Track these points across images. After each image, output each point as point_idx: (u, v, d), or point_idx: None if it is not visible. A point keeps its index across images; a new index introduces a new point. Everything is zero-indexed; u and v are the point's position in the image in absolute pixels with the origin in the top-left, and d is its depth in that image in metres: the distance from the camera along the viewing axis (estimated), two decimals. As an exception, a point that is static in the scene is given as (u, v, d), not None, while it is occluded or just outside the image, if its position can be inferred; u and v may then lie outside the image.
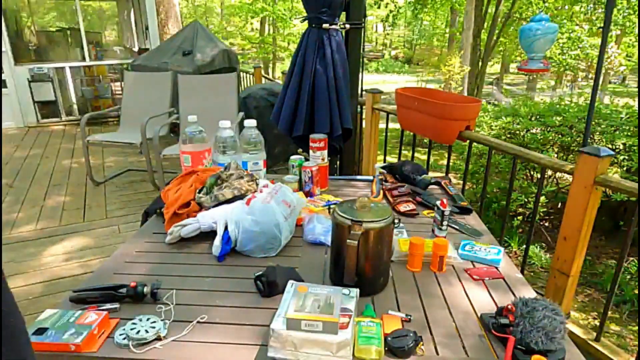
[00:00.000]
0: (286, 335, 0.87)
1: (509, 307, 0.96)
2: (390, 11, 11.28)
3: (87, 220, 3.27)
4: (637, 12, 9.33)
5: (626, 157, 3.33)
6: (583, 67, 11.73)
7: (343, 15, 2.65)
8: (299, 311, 0.89)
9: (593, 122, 3.48)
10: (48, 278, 2.50)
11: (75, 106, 6.60)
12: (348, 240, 1.04)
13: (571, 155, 3.60)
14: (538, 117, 3.94)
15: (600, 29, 1.88)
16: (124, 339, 0.94)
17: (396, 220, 1.16)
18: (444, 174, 2.37)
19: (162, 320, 1.00)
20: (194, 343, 0.95)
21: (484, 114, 4.43)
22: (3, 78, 5.85)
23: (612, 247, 3.76)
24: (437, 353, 0.93)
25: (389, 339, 0.93)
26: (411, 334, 0.93)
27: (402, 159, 3.47)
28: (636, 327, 2.84)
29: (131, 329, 0.95)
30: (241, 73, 6.25)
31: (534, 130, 3.83)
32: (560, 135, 3.63)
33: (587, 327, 2.47)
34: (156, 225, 1.52)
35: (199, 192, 1.49)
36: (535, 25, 2.01)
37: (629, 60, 11.67)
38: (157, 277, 1.18)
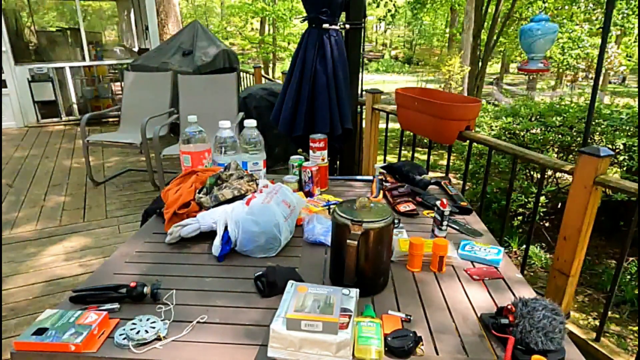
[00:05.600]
0: (286, 335, 0.87)
1: (509, 307, 0.96)
2: (389, 10, 11.28)
3: (87, 220, 3.27)
4: (636, 13, 9.33)
5: (626, 157, 3.33)
6: (583, 67, 11.73)
7: (343, 15, 2.65)
8: (299, 311, 0.89)
9: (593, 122, 3.48)
10: (48, 278, 2.50)
11: (75, 106, 6.60)
12: (348, 240, 1.04)
13: (571, 155, 3.60)
14: (538, 117, 3.94)
15: (600, 29, 1.88)
16: (124, 339, 0.94)
17: (396, 220, 1.16)
18: (444, 174, 2.37)
19: (162, 320, 1.00)
20: (193, 343, 0.95)
21: (484, 114, 4.43)
22: (3, 78, 5.84)
23: (612, 247, 3.76)
24: (437, 353, 0.93)
25: (389, 339, 0.93)
26: (411, 334, 0.93)
27: (402, 159, 3.47)
28: (636, 327, 2.84)
29: (131, 329, 0.95)
30: (241, 73, 6.25)
31: (534, 131, 3.83)
32: (560, 136, 3.63)
33: (587, 327, 2.48)
34: (156, 225, 1.52)
35: (199, 192, 1.49)
36: (535, 25, 2.01)
37: (629, 60, 11.67)
38: (157, 277, 1.18)
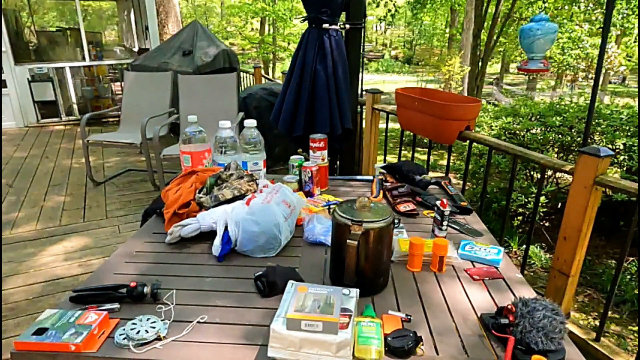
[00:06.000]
0: (286, 335, 0.87)
1: (509, 307, 0.96)
2: (389, 10, 11.28)
3: (87, 220, 3.27)
4: (636, 13, 9.33)
5: (626, 157, 3.33)
6: (583, 67, 11.74)
7: (343, 15, 2.65)
8: (299, 311, 0.89)
9: (593, 122, 3.48)
10: (48, 278, 2.50)
11: (75, 106, 6.60)
12: (348, 240, 1.04)
13: (571, 155, 3.60)
14: (538, 117, 3.94)
15: (600, 29, 1.88)
16: (124, 339, 0.94)
17: (396, 220, 1.16)
18: (444, 174, 2.37)
19: (162, 320, 1.00)
20: (194, 343, 0.95)
21: (484, 114, 4.43)
22: (3, 78, 5.84)
23: (612, 247, 3.76)
24: (437, 353, 0.93)
25: (389, 339, 0.93)
26: (411, 334, 0.94)
27: (402, 159, 3.47)
28: (636, 327, 2.84)
29: (131, 329, 0.95)
30: (241, 73, 6.25)
31: (534, 131, 3.83)
32: (560, 135, 3.63)
33: (587, 327, 2.47)
34: (156, 225, 1.52)
35: (199, 192, 1.49)
36: (535, 25, 2.01)
37: (629, 60, 11.67)
38: (157, 277, 1.18)
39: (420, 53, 28.33)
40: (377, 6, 11.42)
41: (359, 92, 3.07)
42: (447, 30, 20.13)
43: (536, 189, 2.62)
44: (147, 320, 0.98)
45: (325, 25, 2.46)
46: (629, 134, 3.40)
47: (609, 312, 1.93)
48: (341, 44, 2.57)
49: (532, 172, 3.86)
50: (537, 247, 3.70)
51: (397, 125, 2.96)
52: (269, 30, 20.50)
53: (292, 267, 1.19)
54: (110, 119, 6.39)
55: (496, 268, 1.27)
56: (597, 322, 2.83)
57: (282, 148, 4.09)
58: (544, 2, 10.18)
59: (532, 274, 3.48)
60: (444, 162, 4.07)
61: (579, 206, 1.79)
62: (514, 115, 4.06)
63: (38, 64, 6.21)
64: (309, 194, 1.74)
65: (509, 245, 3.71)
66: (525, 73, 3.95)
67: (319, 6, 2.43)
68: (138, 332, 0.94)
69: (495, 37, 10.91)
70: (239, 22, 21.56)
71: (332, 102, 2.54)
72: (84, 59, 6.64)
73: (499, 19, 10.90)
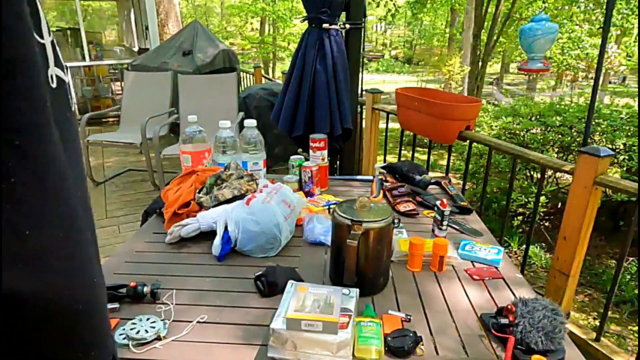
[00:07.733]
0: (286, 335, 0.87)
1: (509, 307, 0.96)
2: (389, 10, 11.29)
3: (87, 220, 3.26)
4: (636, 13, 9.33)
5: (626, 157, 3.33)
6: (583, 67, 11.73)
7: (343, 15, 2.65)
8: (299, 311, 0.89)
9: (593, 122, 3.48)
10: (48, 278, 2.50)
11: (75, 106, 6.58)
12: (348, 240, 1.04)
13: (571, 155, 3.60)
14: (538, 117, 3.94)
15: (600, 29, 1.88)
16: (124, 339, 0.94)
17: (396, 220, 1.16)
18: (444, 174, 2.37)
19: (162, 320, 1.00)
20: (194, 343, 0.95)
21: (484, 114, 4.43)
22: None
23: (612, 247, 3.76)
24: (437, 353, 0.93)
25: (389, 339, 0.93)
26: (411, 334, 0.93)
27: (402, 159, 3.47)
28: (636, 327, 2.84)
29: (131, 329, 0.95)
30: (241, 73, 6.25)
31: (534, 130, 3.84)
32: (560, 135, 3.63)
33: (587, 327, 2.48)
34: (156, 225, 1.52)
35: (199, 192, 1.49)
36: (535, 25, 2.01)
37: (629, 60, 11.66)
38: (157, 277, 1.18)
39: (420, 53, 28.29)
40: (377, 6, 11.43)
41: (359, 92, 3.07)
42: (447, 30, 20.11)
43: (536, 189, 2.62)
44: (147, 320, 0.98)
45: (325, 25, 2.46)
46: (629, 133, 3.40)
47: (609, 312, 1.93)
48: (341, 44, 2.56)
49: (532, 172, 3.86)
50: (537, 247, 3.70)
51: (397, 125, 2.96)
52: (269, 30, 20.50)
53: (292, 267, 1.19)
54: (110, 119, 6.38)
55: (496, 268, 1.27)
56: (597, 322, 2.83)
57: (282, 148, 4.09)
58: (544, 2, 10.19)
59: (532, 274, 3.48)
60: (444, 162, 4.08)
61: (579, 206, 1.79)
62: (514, 115, 4.06)
63: (38, 64, 6.20)
64: (309, 194, 1.74)
65: (509, 245, 3.71)
66: (525, 73, 3.96)
67: (319, 6, 2.43)
68: (138, 332, 0.94)
69: (495, 37, 10.92)
70: (239, 22, 21.56)
71: (332, 102, 2.54)
72: (84, 58, 6.64)
73: (499, 19, 10.90)
